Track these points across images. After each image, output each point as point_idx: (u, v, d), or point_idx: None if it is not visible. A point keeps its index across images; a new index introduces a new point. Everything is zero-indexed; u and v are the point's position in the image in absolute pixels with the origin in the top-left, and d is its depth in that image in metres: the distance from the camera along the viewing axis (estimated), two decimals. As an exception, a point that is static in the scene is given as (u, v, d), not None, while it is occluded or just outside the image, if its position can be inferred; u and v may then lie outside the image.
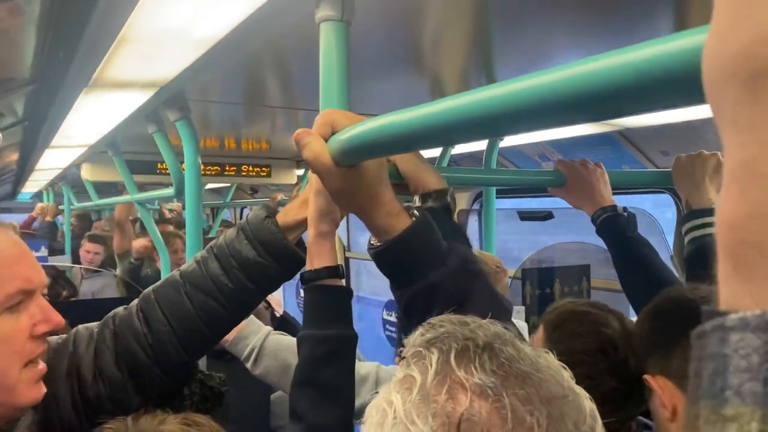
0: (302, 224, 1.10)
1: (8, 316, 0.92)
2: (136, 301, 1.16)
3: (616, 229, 1.42)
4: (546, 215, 2.75)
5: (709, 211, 1.46)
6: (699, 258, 1.42)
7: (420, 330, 0.62)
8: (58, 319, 0.97)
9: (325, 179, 0.82)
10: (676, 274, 1.76)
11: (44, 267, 1.07)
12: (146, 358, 1.10)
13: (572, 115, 0.48)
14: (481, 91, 0.54)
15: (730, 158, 0.28)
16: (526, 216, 2.95)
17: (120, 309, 1.17)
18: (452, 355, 0.57)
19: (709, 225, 1.46)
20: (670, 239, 2.49)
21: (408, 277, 0.86)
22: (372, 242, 0.88)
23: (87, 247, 4.72)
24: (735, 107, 0.27)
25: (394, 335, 3.01)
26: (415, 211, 0.87)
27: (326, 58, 0.93)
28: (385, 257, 0.86)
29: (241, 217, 7.24)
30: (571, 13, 1.21)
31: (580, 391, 0.59)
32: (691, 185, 1.46)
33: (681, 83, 0.36)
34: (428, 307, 0.83)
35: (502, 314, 0.88)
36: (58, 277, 3.89)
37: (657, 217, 2.68)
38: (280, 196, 4.12)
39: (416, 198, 1.02)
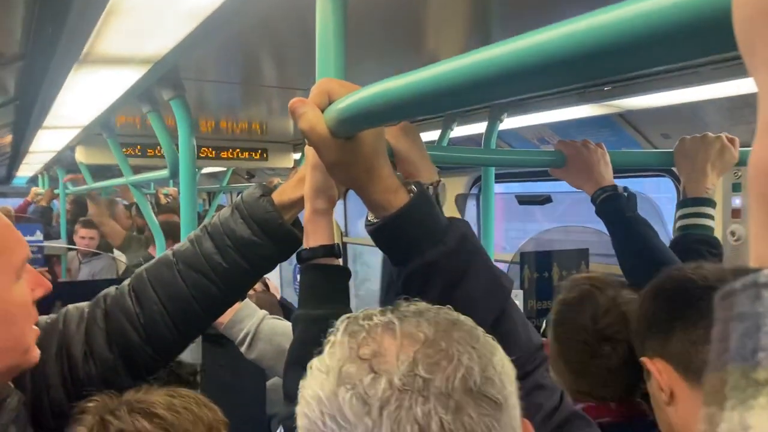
0: (299, 203, 1.07)
1: (20, 283, 0.95)
2: (128, 281, 1.14)
3: (616, 209, 1.40)
4: (544, 199, 2.73)
5: (702, 201, 1.45)
6: (681, 246, 1.41)
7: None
8: (48, 284, 1.01)
9: (321, 151, 0.79)
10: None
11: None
12: (138, 338, 1.08)
13: (577, 71, 0.45)
14: (480, 52, 0.51)
15: (765, 102, 0.26)
16: (525, 200, 2.93)
17: (112, 289, 1.15)
18: (360, 317, 0.65)
19: (701, 215, 1.44)
20: (671, 224, 2.48)
21: (405, 255, 0.83)
22: (369, 218, 0.86)
23: (81, 233, 4.71)
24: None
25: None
26: (413, 187, 0.84)
27: (323, 29, 0.89)
28: (383, 234, 0.84)
29: (237, 202, 7.22)
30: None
31: (478, 327, 0.64)
32: (691, 170, 1.45)
33: (705, 28, 0.33)
34: (426, 284, 0.82)
35: (501, 292, 0.86)
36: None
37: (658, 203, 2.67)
38: (276, 181, 4.08)
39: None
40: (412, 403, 0.55)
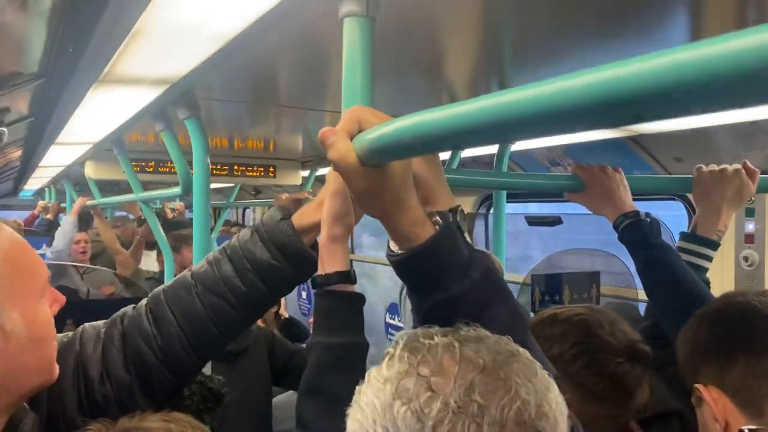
0: (318, 227, 1.07)
1: (43, 302, 0.96)
2: (144, 302, 1.13)
3: (640, 236, 1.38)
4: (554, 220, 2.72)
5: (709, 243, 1.44)
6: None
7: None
8: (62, 297, 1.02)
9: (350, 180, 0.79)
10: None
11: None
12: (155, 360, 1.07)
13: (617, 116, 0.45)
14: (517, 92, 0.51)
15: None
16: (534, 221, 2.92)
17: (129, 309, 1.14)
18: (420, 334, 0.67)
19: (702, 256, 1.43)
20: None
21: (429, 287, 0.83)
22: (392, 249, 0.85)
23: (75, 238, 4.68)
24: None
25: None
26: (438, 218, 0.84)
27: (350, 54, 0.90)
28: (407, 266, 0.83)
29: (243, 217, 7.22)
30: (584, 18, 1.19)
31: (536, 362, 0.66)
32: (707, 208, 1.44)
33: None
34: (448, 317, 0.81)
35: (521, 327, 0.85)
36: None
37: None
38: (284, 197, 4.09)
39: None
40: (465, 427, 0.56)
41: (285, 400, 2.73)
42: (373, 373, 0.65)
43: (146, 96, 1.73)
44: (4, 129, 1.95)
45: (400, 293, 2.60)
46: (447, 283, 0.81)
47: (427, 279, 0.83)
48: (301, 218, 1.09)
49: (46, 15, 1.18)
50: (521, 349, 0.66)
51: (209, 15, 1.09)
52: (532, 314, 2.05)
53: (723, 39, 0.35)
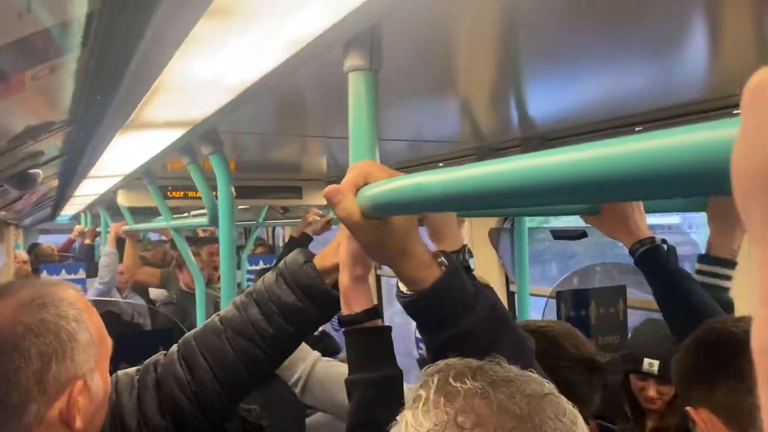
0: (339, 267, 1.10)
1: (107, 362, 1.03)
2: (175, 348, 1.17)
3: (657, 263, 1.39)
4: (580, 234, 2.71)
5: (725, 262, 1.44)
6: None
7: (428, 367, 0.73)
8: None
9: (356, 234, 0.83)
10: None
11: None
12: (189, 405, 1.10)
13: (619, 191, 0.47)
14: (517, 161, 0.53)
15: (763, 275, 0.28)
16: (559, 235, 2.91)
17: (160, 356, 1.18)
18: (450, 376, 0.68)
19: (719, 276, 1.43)
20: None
21: (439, 325, 0.86)
22: (402, 290, 0.89)
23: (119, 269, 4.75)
24: (762, 225, 0.27)
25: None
26: (443, 259, 0.87)
27: (355, 106, 0.94)
28: (417, 307, 0.87)
29: (273, 236, 7.30)
30: (598, 37, 1.19)
31: (561, 396, 0.69)
32: (721, 228, 1.44)
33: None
34: (459, 351, 0.84)
35: (528, 354, 0.90)
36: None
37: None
38: (311, 215, 4.16)
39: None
40: None
41: (318, 420, 2.76)
42: (409, 419, 0.67)
43: (171, 136, 1.80)
44: (39, 171, 2.03)
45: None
46: (455, 320, 0.85)
47: (436, 317, 0.86)
48: (322, 260, 1.12)
49: (73, 73, 1.24)
50: (546, 384, 0.69)
51: (225, 68, 1.15)
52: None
53: None
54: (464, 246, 1.02)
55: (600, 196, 0.47)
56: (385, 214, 0.80)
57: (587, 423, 1.33)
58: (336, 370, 1.73)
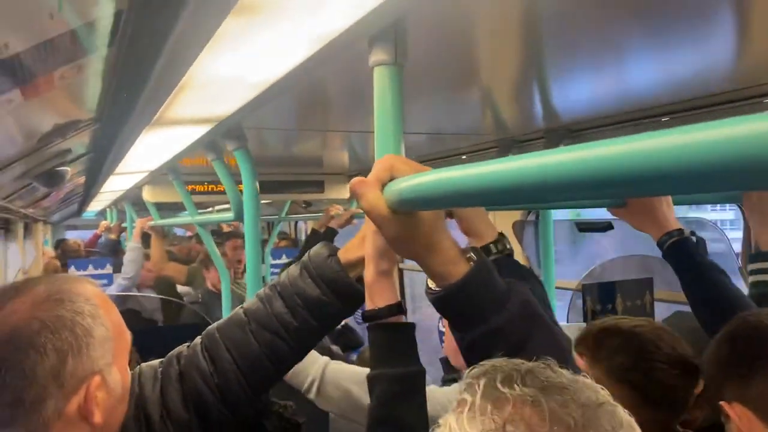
0: (362, 261, 1.10)
1: (127, 356, 1.04)
2: (199, 340, 1.17)
3: (686, 255, 1.37)
4: (605, 226, 2.69)
5: None
6: (762, 304, 1.37)
7: (472, 368, 0.69)
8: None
9: (382, 228, 0.83)
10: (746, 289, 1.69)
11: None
12: (213, 397, 1.11)
13: (661, 186, 0.46)
14: (549, 155, 0.52)
15: None
16: (584, 227, 2.89)
17: (183, 348, 1.18)
18: (498, 380, 0.64)
19: None
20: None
21: (468, 322, 0.85)
22: (430, 286, 0.88)
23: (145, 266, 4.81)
24: None
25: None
26: (473, 254, 0.86)
27: (381, 101, 0.93)
28: (444, 303, 0.86)
29: (295, 230, 7.34)
30: (624, 26, 1.18)
31: (617, 404, 0.64)
32: (761, 221, 1.40)
33: None
34: (489, 351, 0.83)
35: (562, 354, 0.87)
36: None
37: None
38: (334, 209, 4.18)
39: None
40: None
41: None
42: (453, 424, 0.63)
43: (196, 132, 1.82)
44: (67, 168, 2.06)
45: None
46: (485, 317, 0.82)
47: (465, 314, 0.85)
48: (346, 254, 1.12)
49: (101, 72, 1.26)
50: (601, 392, 0.64)
51: (251, 65, 1.15)
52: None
53: None
54: (501, 234, 1.00)
55: (636, 192, 0.46)
56: (413, 208, 0.80)
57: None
58: (348, 368, 1.73)
